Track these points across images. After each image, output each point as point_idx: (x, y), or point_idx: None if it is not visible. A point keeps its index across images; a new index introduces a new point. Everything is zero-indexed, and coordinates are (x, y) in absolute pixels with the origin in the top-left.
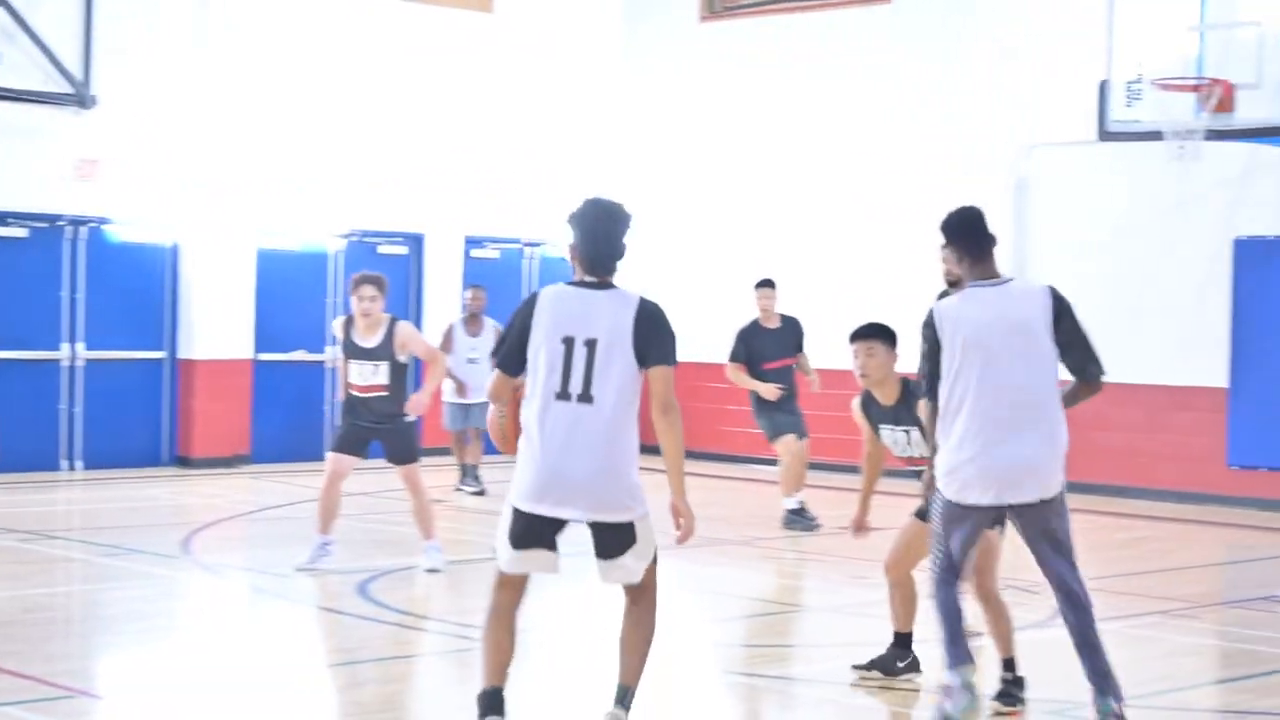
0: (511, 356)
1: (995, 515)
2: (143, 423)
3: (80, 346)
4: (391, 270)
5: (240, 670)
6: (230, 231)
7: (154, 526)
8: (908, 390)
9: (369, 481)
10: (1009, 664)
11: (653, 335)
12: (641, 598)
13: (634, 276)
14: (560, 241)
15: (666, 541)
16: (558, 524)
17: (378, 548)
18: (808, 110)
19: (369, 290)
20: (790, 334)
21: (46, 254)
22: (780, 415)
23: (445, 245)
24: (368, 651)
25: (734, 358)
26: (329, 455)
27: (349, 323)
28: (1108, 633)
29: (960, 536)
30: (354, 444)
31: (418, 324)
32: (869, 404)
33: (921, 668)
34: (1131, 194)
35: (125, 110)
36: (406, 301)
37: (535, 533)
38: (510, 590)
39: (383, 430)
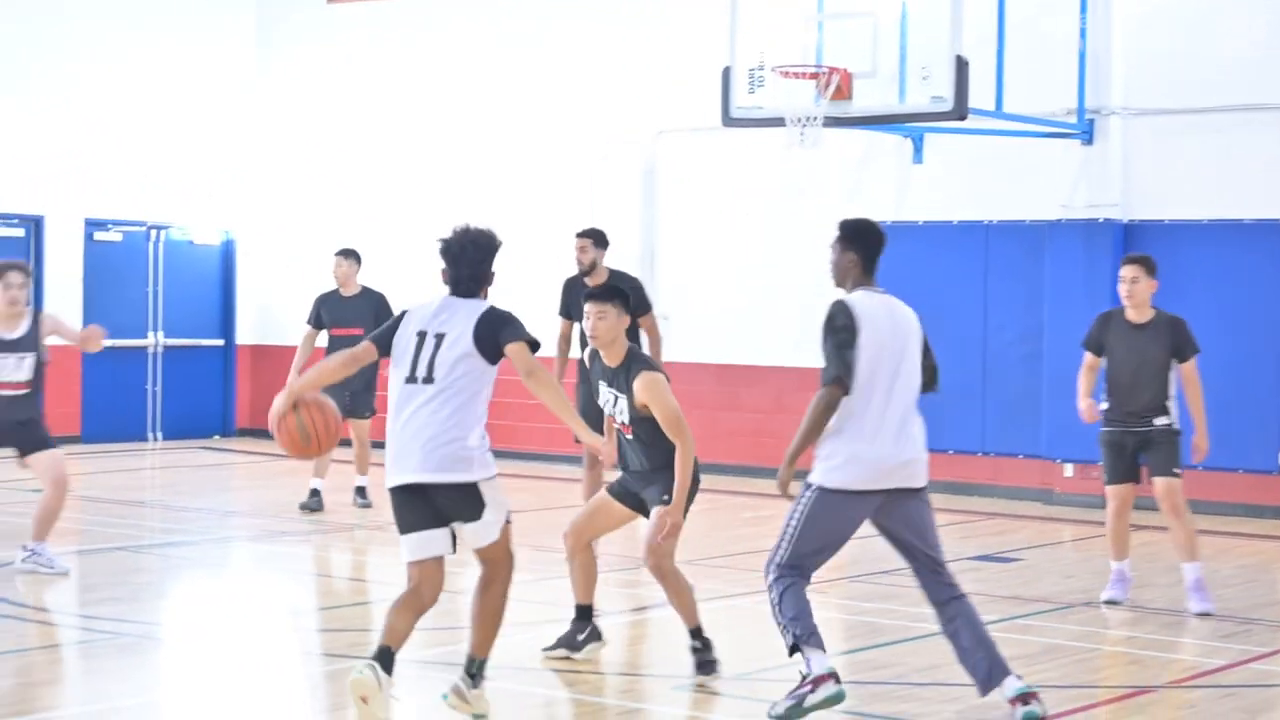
0: (383, 338)
1: (876, 505)
2: None
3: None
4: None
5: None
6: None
7: None
8: (631, 357)
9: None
10: (696, 633)
11: (498, 326)
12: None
13: (285, 259)
14: (189, 226)
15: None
16: (423, 497)
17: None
18: (440, 90)
19: (17, 277)
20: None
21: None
22: None
23: (65, 228)
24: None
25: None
26: None
27: None
28: (733, 610)
29: (831, 529)
30: None
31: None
32: (595, 358)
33: (604, 638)
34: (754, 179)
35: None
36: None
37: (407, 511)
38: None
39: (18, 432)
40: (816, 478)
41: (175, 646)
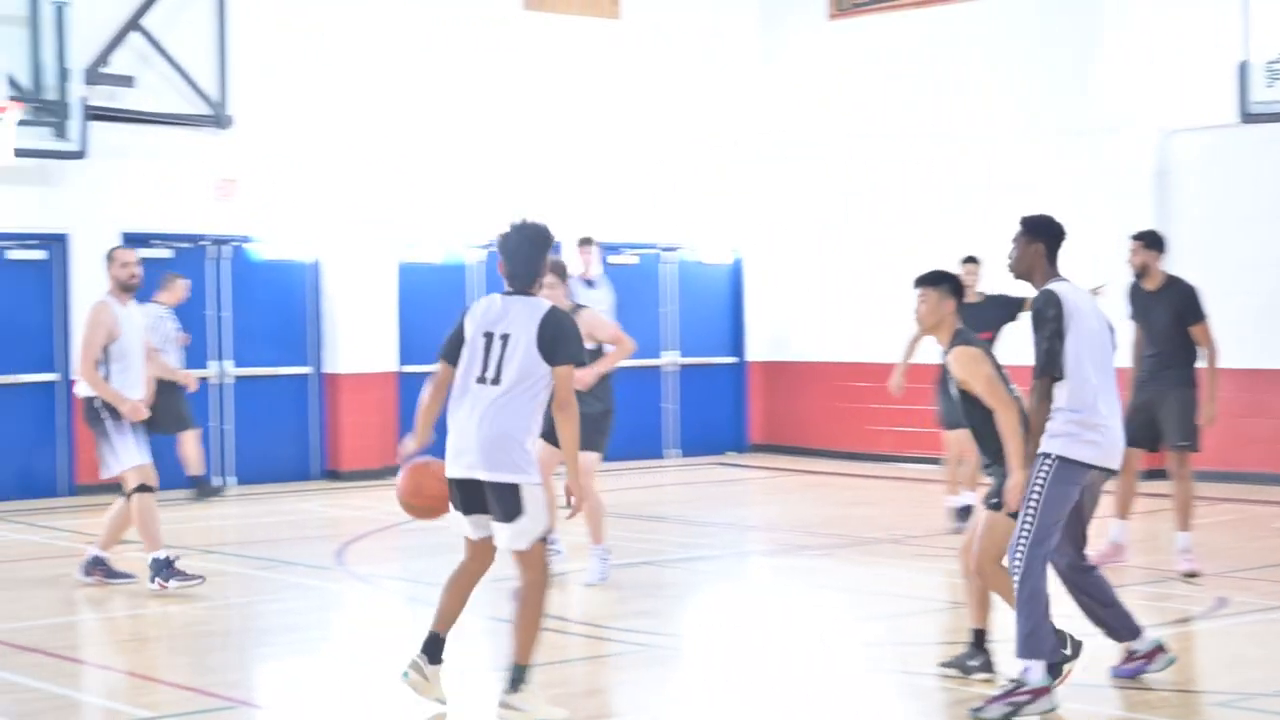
0: (450, 351)
1: (1091, 481)
2: (292, 437)
3: (229, 364)
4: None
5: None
6: (370, 246)
7: (306, 539)
8: (953, 338)
9: None
10: (981, 635)
11: (557, 336)
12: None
13: (796, 276)
14: (699, 245)
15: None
16: (480, 488)
17: None
18: (940, 103)
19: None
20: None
21: (190, 273)
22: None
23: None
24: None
25: None
26: None
27: None
28: (1273, 624)
29: (1069, 499)
30: None
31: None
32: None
33: (995, 669)
34: (1276, 176)
35: (262, 129)
36: None
37: (465, 498)
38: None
39: None
40: (1056, 448)
41: (706, 658)
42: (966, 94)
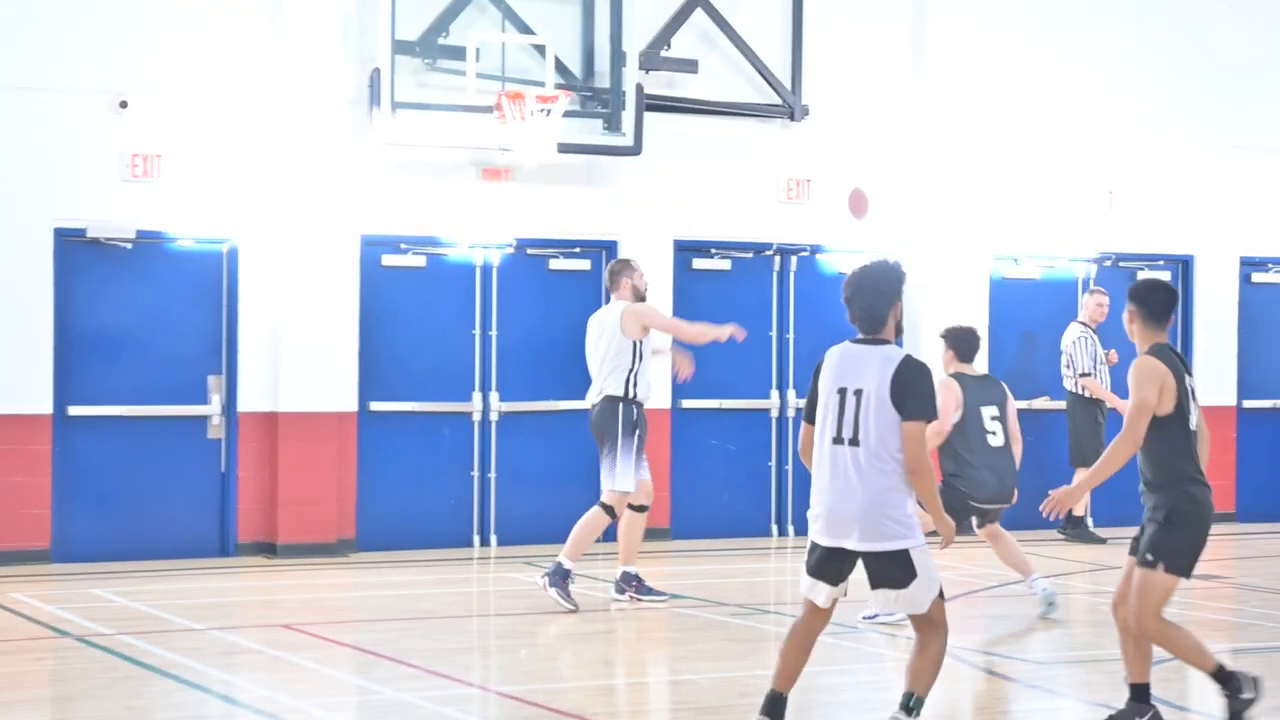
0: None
1: None
2: None
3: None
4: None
5: None
6: (958, 257)
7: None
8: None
9: None
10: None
11: (909, 389)
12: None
13: None
14: None
15: None
16: (844, 556)
17: None
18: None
19: None
20: None
21: (752, 286)
22: None
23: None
24: None
25: None
26: None
27: None
28: None
29: None
30: None
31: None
32: None
33: None
34: None
35: (836, 125)
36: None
37: (824, 565)
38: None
39: None
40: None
41: None
42: None
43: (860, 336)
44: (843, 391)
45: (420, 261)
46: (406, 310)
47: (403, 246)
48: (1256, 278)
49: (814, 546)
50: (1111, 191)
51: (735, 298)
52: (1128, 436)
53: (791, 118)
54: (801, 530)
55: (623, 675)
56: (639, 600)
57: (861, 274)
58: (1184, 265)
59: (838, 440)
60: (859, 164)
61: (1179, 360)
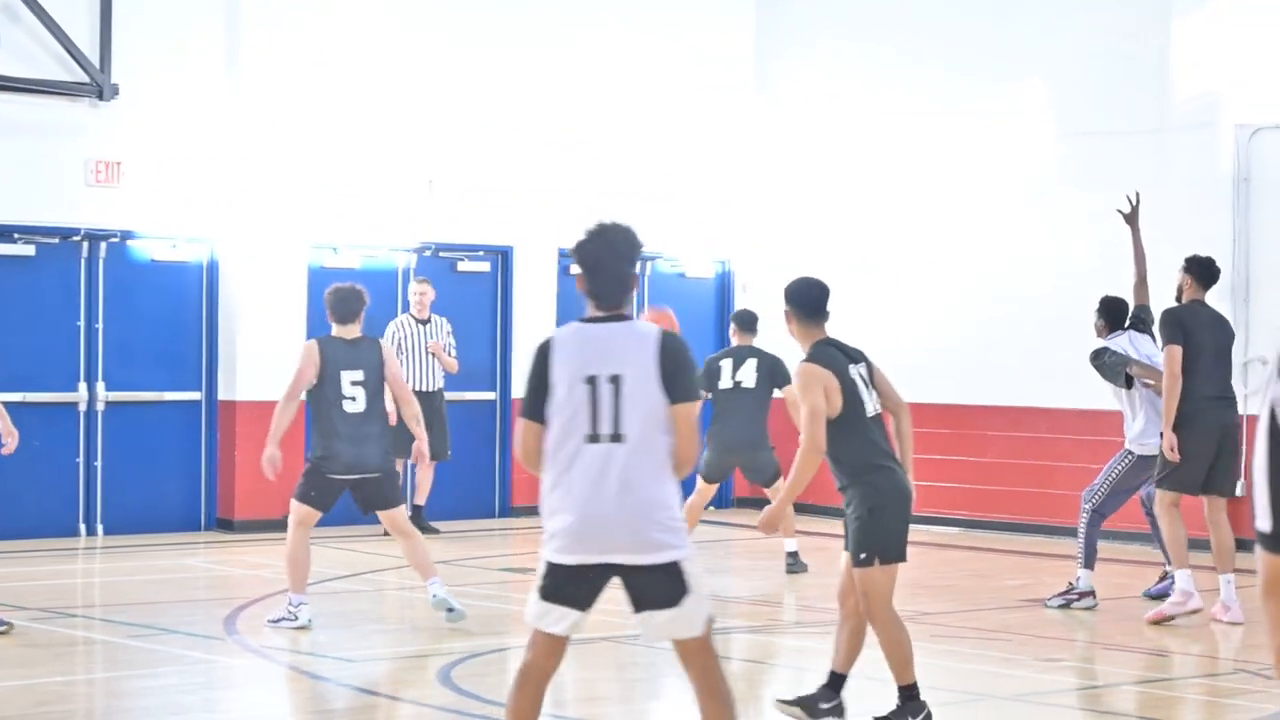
0: (535, 407)
1: None
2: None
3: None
4: (474, 287)
5: None
6: (275, 246)
7: (190, 603)
8: None
9: None
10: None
11: (680, 365)
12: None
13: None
14: (682, 256)
15: None
16: (596, 575)
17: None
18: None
19: None
20: None
21: (57, 274)
22: None
23: (535, 258)
24: None
25: None
26: None
27: None
28: None
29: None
30: None
31: (507, 340)
32: None
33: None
34: None
35: (149, 106)
36: (494, 318)
37: (566, 588)
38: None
39: None
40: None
41: None
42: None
43: (594, 314)
44: (593, 380)
45: None
46: None
47: None
48: (575, 269)
49: (552, 567)
50: (431, 180)
51: (41, 285)
52: (809, 446)
53: (100, 97)
54: (114, 529)
55: None
56: None
57: (599, 239)
58: (503, 256)
59: (593, 438)
60: (171, 147)
61: (840, 353)
